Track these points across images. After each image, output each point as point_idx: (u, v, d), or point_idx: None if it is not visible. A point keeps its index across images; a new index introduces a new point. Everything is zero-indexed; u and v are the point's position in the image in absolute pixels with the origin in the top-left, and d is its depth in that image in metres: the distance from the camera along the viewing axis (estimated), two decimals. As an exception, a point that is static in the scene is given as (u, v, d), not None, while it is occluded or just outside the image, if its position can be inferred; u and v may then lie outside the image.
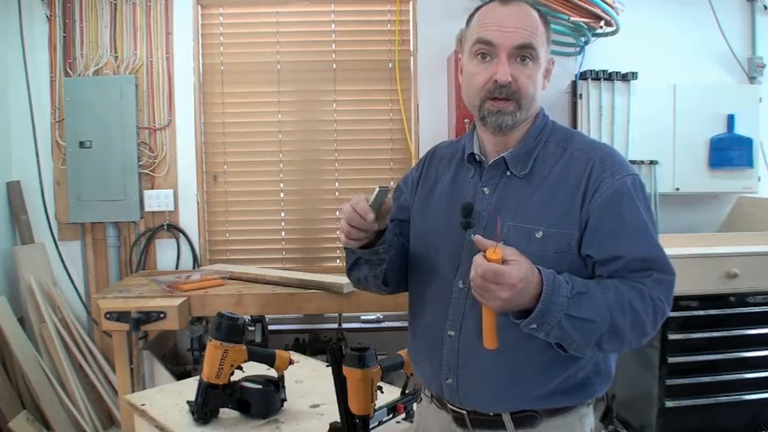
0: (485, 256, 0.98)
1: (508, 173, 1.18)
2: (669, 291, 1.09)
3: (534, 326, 1.01)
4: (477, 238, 1.01)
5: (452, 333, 1.17)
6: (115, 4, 3.15)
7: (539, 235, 1.10)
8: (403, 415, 1.56)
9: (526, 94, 1.13)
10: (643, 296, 1.06)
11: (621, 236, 1.08)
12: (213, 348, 1.58)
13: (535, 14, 1.16)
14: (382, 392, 1.43)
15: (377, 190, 1.12)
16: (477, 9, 1.19)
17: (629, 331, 1.04)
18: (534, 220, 1.12)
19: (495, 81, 1.11)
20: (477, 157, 1.22)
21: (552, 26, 3.12)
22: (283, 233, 3.32)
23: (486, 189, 1.19)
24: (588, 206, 1.10)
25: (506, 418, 1.15)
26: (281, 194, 3.31)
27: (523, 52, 1.12)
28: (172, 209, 3.21)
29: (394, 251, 1.23)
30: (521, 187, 1.16)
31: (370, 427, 1.41)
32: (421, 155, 1.41)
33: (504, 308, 0.99)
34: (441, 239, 1.22)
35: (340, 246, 3.29)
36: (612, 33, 2.98)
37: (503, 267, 0.96)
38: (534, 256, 1.05)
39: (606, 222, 1.09)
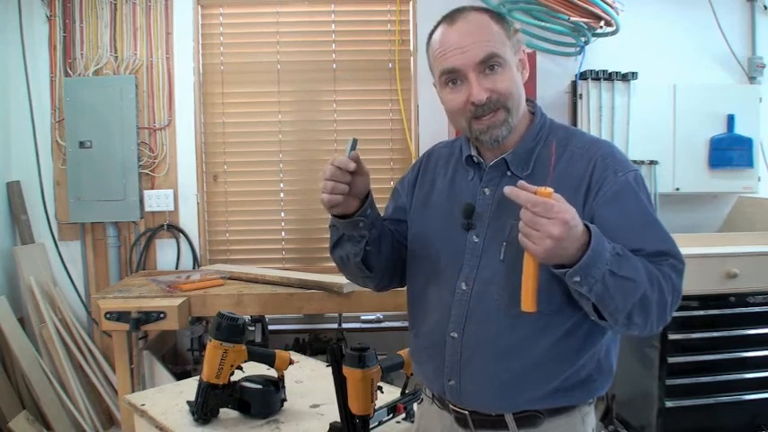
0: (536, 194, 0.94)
1: (509, 173, 1.17)
2: (682, 277, 1.09)
3: (578, 278, 0.97)
4: (521, 182, 0.96)
5: (455, 335, 1.17)
6: (115, 4, 3.15)
7: None
8: (403, 415, 1.56)
9: (510, 96, 1.12)
10: (664, 276, 1.05)
11: (634, 232, 1.08)
12: (213, 348, 1.58)
13: (485, 18, 1.14)
14: (382, 392, 1.43)
15: (350, 141, 1.13)
16: (431, 35, 1.18)
17: (655, 306, 1.03)
18: None
19: (473, 103, 1.11)
20: (474, 158, 1.22)
21: (552, 26, 3.13)
22: (283, 233, 3.32)
23: (486, 190, 1.19)
24: (592, 205, 1.10)
25: (509, 419, 1.15)
26: (281, 194, 3.31)
27: (489, 62, 1.11)
28: (172, 209, 3.21)
29: (377, 232, 1.22)
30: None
31: (370, 427, 1.41)
32: (421, 155, 1.41)
33: (551, 251, 0.93)
34: (441, 241, 1.22)
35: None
36: (612, 33, 2.98)
37: (553, 201, 0.93)
38: None
39: (615, 220, 1.08)
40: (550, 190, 0.94)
